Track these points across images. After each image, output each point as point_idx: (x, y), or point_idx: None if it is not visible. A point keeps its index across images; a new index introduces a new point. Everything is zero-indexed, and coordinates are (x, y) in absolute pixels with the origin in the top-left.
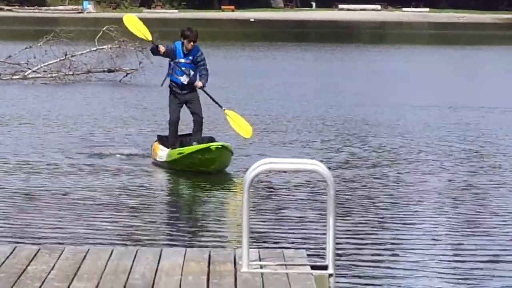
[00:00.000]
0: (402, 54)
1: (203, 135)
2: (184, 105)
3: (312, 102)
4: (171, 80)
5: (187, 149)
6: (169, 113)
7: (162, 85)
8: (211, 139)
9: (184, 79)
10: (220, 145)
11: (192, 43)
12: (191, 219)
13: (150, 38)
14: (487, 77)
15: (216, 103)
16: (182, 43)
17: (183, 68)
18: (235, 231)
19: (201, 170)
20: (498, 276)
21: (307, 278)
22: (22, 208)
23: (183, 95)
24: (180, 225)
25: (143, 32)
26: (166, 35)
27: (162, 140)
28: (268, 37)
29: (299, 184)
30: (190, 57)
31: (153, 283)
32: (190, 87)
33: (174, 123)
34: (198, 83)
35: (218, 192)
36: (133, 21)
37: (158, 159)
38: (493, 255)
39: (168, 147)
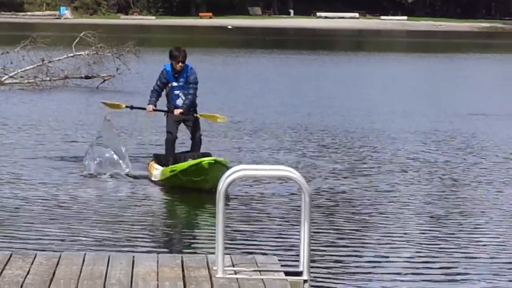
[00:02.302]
0: (381, 61)
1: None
2: (182, 123)
3: (287, 109)
4: (168, 103)
5: (179, 166)
6: (166, 131)
7: (164, 113)
8: (207, 155)
9: (179, 102)
10: (213, 160)
11: (180, 64)
12: (164, 225)
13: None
14: (467, 84)
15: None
16: (171, 64)
17: (177, 92)
18: (206, 237)
19: (196, 187)
20: (478, 277)
21: (282, 284)
22: (13, 215)
23: (180, 117)
24: (151, 231)
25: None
26: (143, 42)
27: (158, 158)
28: (245, 44)
29: (276, 191)
30: (182, 79)
31: None
32: (189, 110)
33: (171, 140)
34: (177, 111)
35: (193, 199)
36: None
37: (153, 178)
38: (473, 257)
39: (162, 166)
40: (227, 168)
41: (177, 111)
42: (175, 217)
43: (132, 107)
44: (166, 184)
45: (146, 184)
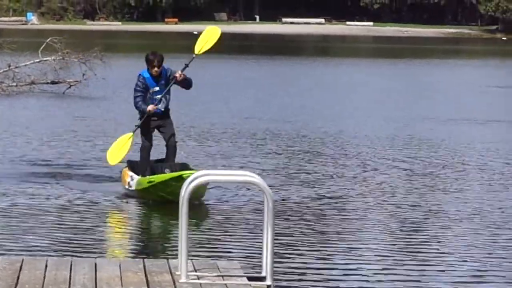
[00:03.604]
0: (347, 67)
1: (176, 161)
2: (157, 130)
3: (252, 115)
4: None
5: (158, 178)
6: (141, 139)
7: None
8: (185, 166)
9: (161, 107)
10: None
11: (156, 69)
12: (124, 230)
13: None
14: (434, 90)
15: (190, 61)
16: (148, 70)
17: (159, 96)
18: (167, 241)
19: (173, 200)
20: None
21: None
22: None
23: (155, 121)
24: (111, 236)
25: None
26: (109, 48)
27: (132, 166)
28: (210, 50)
29: (240, 196)
30: (162, 81)
31: None
32: (165, 113)
33: (146, 148)
34: (177, 74)
35: (155, 204)
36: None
37: (127, 187)
38: (437, 269)
39: (138, 174)
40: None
41: (152, 107)
42: (135, 222)
43: (136, 127)
44: (141, 196)
45: (108, 189)
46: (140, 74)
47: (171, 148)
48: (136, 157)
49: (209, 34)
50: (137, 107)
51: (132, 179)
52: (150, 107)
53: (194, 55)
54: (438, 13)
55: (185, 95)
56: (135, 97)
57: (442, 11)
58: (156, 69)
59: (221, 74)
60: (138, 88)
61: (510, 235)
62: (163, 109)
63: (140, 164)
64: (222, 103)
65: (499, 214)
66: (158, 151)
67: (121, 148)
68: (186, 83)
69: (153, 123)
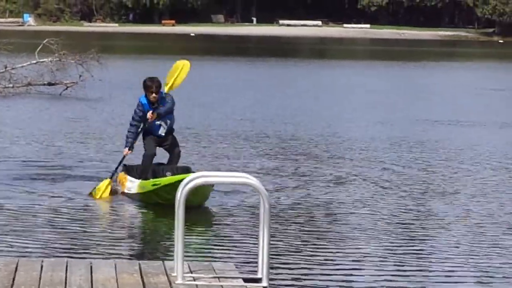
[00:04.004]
0: (343, 69)
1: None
2: (159, 147)
3: (250, 116)
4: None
5: (163, 180)
6: (145, 147)
7: (130, 148)
8: (187, 169)
9: (162, 131)
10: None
11: (154, 95)
12: (119, 232)
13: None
14: (430, 92)
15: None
16: (146, 96)
17: (158, 122)
18: (162, 243)
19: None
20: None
21: None
22: None
23: (158, 139)
24: (107, 237)
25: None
26: (106, 49)
27: (129, 170)
28: (208, 52)
29: (236, 198)
30: (162, 108)
31: None
32: (167, 135)
33: (150, 156)
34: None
35: (151, 206)
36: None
37: (126, 191)
38: (431, 273)
39: (137, 178)
40: (212, 185)
41: (150, 115)
42: (130, 223)
43: (113, 174)
44: (142, 199)
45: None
46: (139, 101)
47: (175, 154)
48: (131, 161)
49: (177, 68)
50: (126, 137)
51: (132, 182)
52: (125, 151)
53: (163, 94)
54: (435, 15)
55: (184, 96)
56: (130, 126)
57: (439, 13)
58: (154, 95)
59: (219, 76)
60: (135, 117)
61: (504, 238)
62: (163, 134)
63: (143, 169)
64: (220, 105)
65: (495, 217)
66: (158, 158)
67: (103, 192)
68: (164, 116)
69: (156, 140)
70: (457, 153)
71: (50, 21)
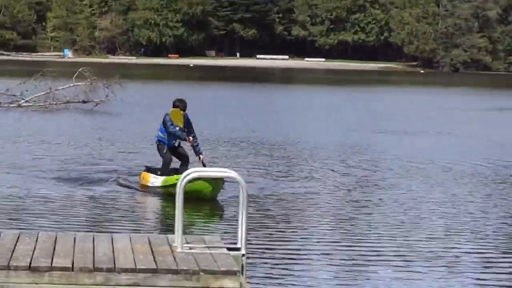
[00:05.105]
0: (304, 92)
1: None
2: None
3: (232, 126)
4: (162, 142)
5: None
6: (163, 156)
7: (167, 143)
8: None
9: (176, 143)
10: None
11: (182, 112)
12: (135, 214)
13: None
14: (372, 108)
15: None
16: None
17: (176, 136)
18: (166, 222)
19: (195, 196)
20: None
21: (226, 257)
22: (21, 205)
23: (172, 151)
24: (125, 218)
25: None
26: (126, 76)
27: (150, 170)
28: (203, 78)
29: (224, 191)
30: (184, 123)
31: (115, 259)
32: (179, 145)
33: (169, 161)
34: (190, 139)
35: (158, 196)
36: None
37: (149, 185)
38: (374, 251)
39: (159, 176)
40: (223, 182)
41: (190, 140)
42: (142, 207)
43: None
44: (166, 191)
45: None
46: (166, 115)
47: (185, 161)
48: (151, 163)
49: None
50: (173, 132)
51: (157, 178)
52: (188, 139)
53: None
54: (373, 52)
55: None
56: (169, 126)
57: (376, 51)
58: (182, 112)
59: (210, 96)
60: (169, 120)
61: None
62: (176, 145)
63: (164, 169)
64: (211, 118)
65: (424, 203)
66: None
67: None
68: (194, 148)
69: (170, 149)
70: (397, 157)
71: (84, 55)
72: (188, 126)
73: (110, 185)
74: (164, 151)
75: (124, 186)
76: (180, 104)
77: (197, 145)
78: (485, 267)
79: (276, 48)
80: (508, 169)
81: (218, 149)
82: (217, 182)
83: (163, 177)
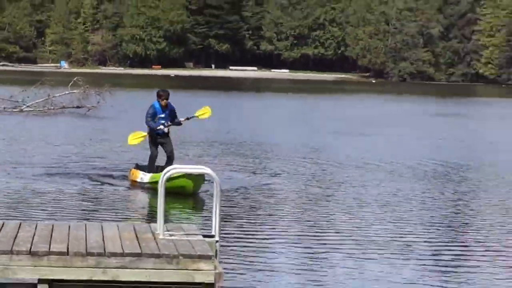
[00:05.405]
0: (270, 98)
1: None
2: (160, 145)
3: (210, 129)
4: (152, 130)
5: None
6: (151, 151)
7: (155, 128)
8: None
9: (165, 129)
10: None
11: (165, 101)
12: (122, 206)
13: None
14: (331, 112)
15: (191, 117)
16: (159, 102)
17: (163, 122)
18: (150, 212)
19: (178, 191)
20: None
21: (202, 243)
22: (22, 198)
23: (159, 139)
24: (114, 209)
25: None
26: (116, 85)
27: (139, 167)
28: (183, 87)
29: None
30: (167, 111)
31: (105, 245)
32: (167, 134)
33: (154, 157)
34: (181, 120)
35: (145, 191)
36: (134, 138)
37: (138, 180)
38: (335, 241)
39: (148, 173)
40: (204, 179)
41: (181, 120)
42: (128, 200)
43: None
44: (154, 187)
45: (113, 181)
46: (152, 104)
47: (170, 159)
48: (142, 162)
49: (207, 110)
50: (148, 124)
51: (145, 175)
52: (162, 127)
53: (195, 116)
54: (331, 64)
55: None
56: (146, 118)
57: (333, 63)
58: (165, 101)
59: (186, 103)
60: (149, 114)
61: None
62: (166, 131)
63: (149, 167)
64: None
65: (372, 196)
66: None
67: (136, 138)
68: (176, 124)
69: (158, 140)
70: (351, 156)
71: (78, 66)
72: (171, 114)
73: (99, 180)
74: (150, 145)
75: (102, 182)
76: (163, 94)
77: (177, 122)
78: (431, 253)
79: (247, 60)
80: (444, 166)
81: (195, 149)
82: (198, 179)
83: (151, 174)
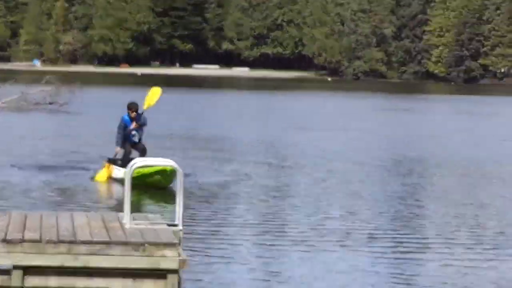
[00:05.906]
0: (232, 95)
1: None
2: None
3: (175, 125)
4: (126, 140)
5: (146, 170)
6: (124, 149)
7: (120, 145)
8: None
9: (136, 139)
10: (172, 167)
11: (134, 113)
12: (91, 196)
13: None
14: (289, 108)
15: (143, 121)
16: (128, 114)
17: (133, 132)
18: (117, 202)
19: (154, 186)
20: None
21: (167, 231)
22: None
23: (133, 145)
24: (83, 199)
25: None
26: (85, 82)
27: (112, 161)
28: (148, 84)
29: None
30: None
31: (75, 233)
32: (139, 142)
33: (128, 153)
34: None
35: (112, 183)
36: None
37: (114, 176)
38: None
39: (122, 168)
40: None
41: (134, 125)
42: (96, 191)
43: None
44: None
45: (82, 172)
46: (122, 117)
47: (143, 152)
48: (107, 154)
49: (153, 93)
50: (116, 142)
51: (119, 170)
52: (117, 149)
53: (142, 111)
54: (289, 63)
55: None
56: (117, 135)
57: (291, 62)
58: (134, 113)
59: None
60: (119, 130)
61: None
62: (137, 141)
63: (123, 162)
64: (155, 118)
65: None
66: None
67: (103, 176)
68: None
69: (131, 145)
70: (308, 149)
71: (50, 64)
72: (141, 126)
73: (71, 172)
74: (125, 147)
75: (72, 174)
76: (132, 106)
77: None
78: (388, 242)
79: (209, 59)
80: (393, 160)
81: (163, 143)
82: (170, 174)
83: (124, 169)
